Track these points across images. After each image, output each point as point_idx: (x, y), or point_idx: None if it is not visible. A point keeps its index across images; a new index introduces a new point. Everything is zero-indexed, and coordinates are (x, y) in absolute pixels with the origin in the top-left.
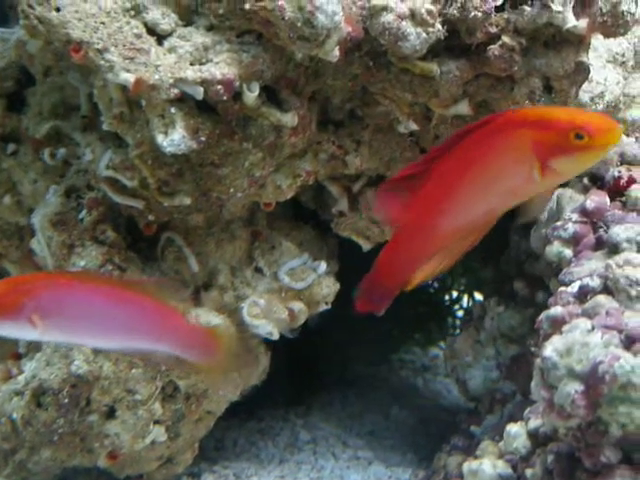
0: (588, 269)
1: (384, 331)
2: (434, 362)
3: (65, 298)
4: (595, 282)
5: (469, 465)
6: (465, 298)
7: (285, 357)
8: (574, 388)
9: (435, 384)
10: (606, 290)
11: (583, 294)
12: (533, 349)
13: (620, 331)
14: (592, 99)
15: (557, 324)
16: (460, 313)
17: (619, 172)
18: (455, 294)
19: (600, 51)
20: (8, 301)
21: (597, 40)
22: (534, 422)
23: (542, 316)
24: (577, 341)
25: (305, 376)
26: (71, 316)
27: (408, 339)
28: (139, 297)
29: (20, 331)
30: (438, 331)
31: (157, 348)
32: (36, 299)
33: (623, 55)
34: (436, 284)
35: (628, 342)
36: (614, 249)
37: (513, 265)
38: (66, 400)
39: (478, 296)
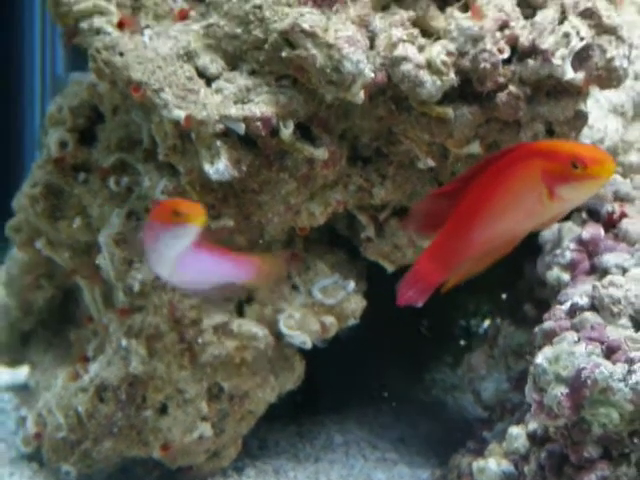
0: (580, 290)
1: (417, 353)
2: (462, 381)
3: None
4: (584, 300)
5: (477, 464)
6: (486, 322)
7: (326, 371)
8: (560, 391)
9: (462, 400)
10: (593, 308)
11: (573, 311)
12: (528, 357)
13: (602, 343)
14: (593, 144)
15: (549, 336)
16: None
17: (612, 207)
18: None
19: (602, 102)
20: None
21: (600, 93)
22: (532, 424)
23: (537, 329)
24: (564, 350)
25: (343, 390)
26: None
27: (439, 360)
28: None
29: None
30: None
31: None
32: None
33: (622, 106)
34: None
35: (608, 352)
36: (604, 274)
37: (525, 291)
38: (124, 396)
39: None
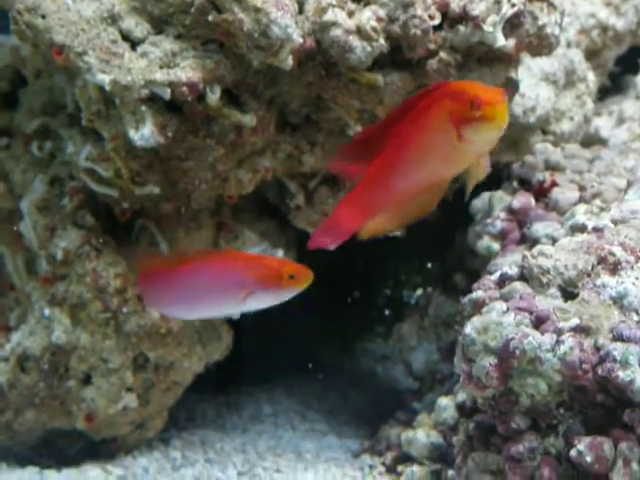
0: (510, 260)
1: (349, 323)
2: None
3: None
4: (513, 270)
5: (406, 434)
6: (418, 292)
7: (254, 339)
8: (489, 362)
9: (393, 371)
10: (522, 277)
11: (502, 281)
12: (457, 328)
13: (531, 312)
14: (524, 112)
15: (477, 306)
16: None
17: (543, 176)
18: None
19: (534, 70)
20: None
21: (531, 61)
22: (461, 395)
23: (466, 299)
24: (493, 320)
25: (272, 358)
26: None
27: (371, 330)
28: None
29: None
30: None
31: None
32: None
33: (555, 75)
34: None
35: (537, 322)
36: (535, 243)
37: (456, 260)
38: (46, 366)
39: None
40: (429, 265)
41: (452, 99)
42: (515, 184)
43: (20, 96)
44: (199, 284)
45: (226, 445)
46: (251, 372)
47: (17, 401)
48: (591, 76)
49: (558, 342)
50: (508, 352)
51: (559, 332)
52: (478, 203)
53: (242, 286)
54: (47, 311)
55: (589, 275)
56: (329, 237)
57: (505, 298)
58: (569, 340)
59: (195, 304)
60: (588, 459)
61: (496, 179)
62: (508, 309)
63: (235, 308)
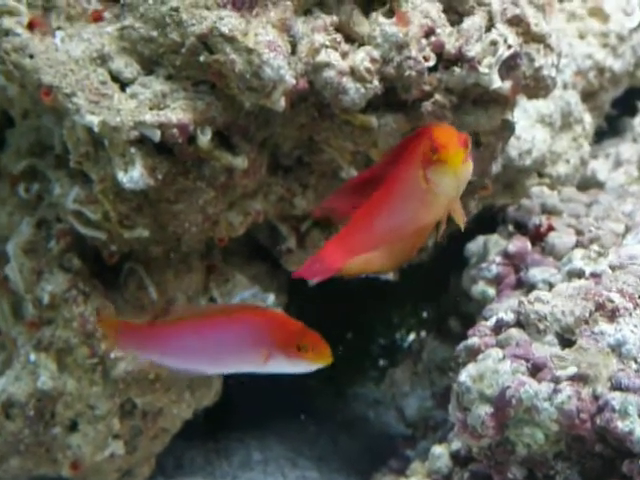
0: (506, 306)
1: (340, 367)
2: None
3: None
4: (509, 316)
5: None
6: (411, 336)
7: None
8: (484, 410)
9: (385, 417)
10: (519, 324)
11: (498, 327)
12: (451, 375)
13: (527, 360)
14: (520, 155)
15: (473, 353)
16: None
17: (540, 220)
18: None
19: (530, 112)
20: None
21: (527, 103)
22: (455, 444)
23: (461, 346)
24: (489, 368)
25: (264, 404)
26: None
27: (363, 374)
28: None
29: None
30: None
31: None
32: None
33: (551, 116)
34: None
35: (534, 370)
36: (531, 289)
37: (450, 305)
38: (32, 413)
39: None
40: (423, 309)
41: (424, 143)
42: (511, 228)
43: (7, 137)
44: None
45: None
46: (241, 418)
47: (1, 448)
48: (588, 118)
49: (555, 391)
50: (504, 401)
51: (556, 380)
52: (473, 247)
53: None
54: (33, 356)
55: (587, 322)
56: (313, 271)
57: (501, 345)
58: (567, 389)
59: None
60: None
61: (491, 222)
62: (504, 356)
63: (255, 369)
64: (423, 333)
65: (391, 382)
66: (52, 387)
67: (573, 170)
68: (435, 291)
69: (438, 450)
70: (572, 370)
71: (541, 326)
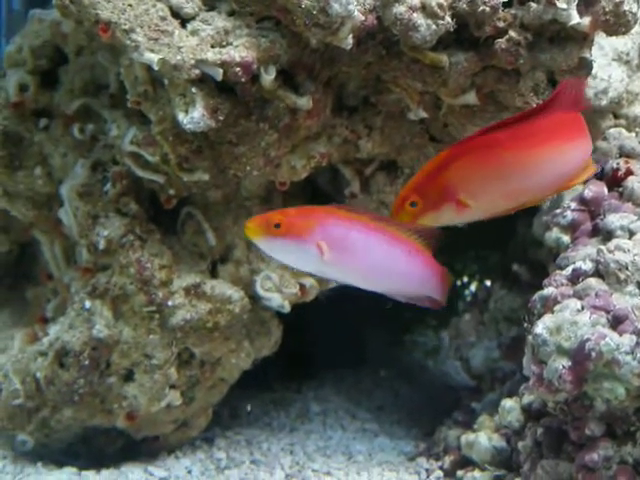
0: (583, 254)
1: (398, 314)
2: (445, 345)
3: (348, 231)
4: (587, 265)
5: (466, 437)
6: (475, 284)
7: (301, 334)
8: (562, 364)
9: (445, 365)
10: (597, 273)
11: (575, 277)
12: (526, 325)
13: (608, 312)
14: (596, 95)
15: (549, 304)
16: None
17: (617, 164)
18: (466, 279)
19: (606, 49)
20: (300, 223)
21: (603, 39)
22: (527, 398)
23: (536, 296)
24: (567, 320)
25: (319, 353)
26: (350, 249)
27: (421, 322)
28: (409, 243)
29: (305, 255)
30: (449, 315)
31: (418, 292)
32: (326, 227)
33: (628, 54)
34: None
35: (615, 322)
36: (608, 236)
37: (519, 251)
38: (87, 362)
39: (488, 282)
40: (487, 255)
41: None
42: None
43: (60, 75)
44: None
45: (273, 445)
46: (298, 368)
47: (55, 398)
48: None
49: (638, 344)
50: (583, 354)
51: (639, 333)
52: None
53: None
54: (88, 303)
55: None
56: None
57: (579, 296)
58: None
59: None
60: None
61: None
62: (583, 307)
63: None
64: (488, 282)
65: (456, 332)
66: (107, 335)
67: None
68: (500, 237)
69: (509, 403)
70: None
71: (622, 276)
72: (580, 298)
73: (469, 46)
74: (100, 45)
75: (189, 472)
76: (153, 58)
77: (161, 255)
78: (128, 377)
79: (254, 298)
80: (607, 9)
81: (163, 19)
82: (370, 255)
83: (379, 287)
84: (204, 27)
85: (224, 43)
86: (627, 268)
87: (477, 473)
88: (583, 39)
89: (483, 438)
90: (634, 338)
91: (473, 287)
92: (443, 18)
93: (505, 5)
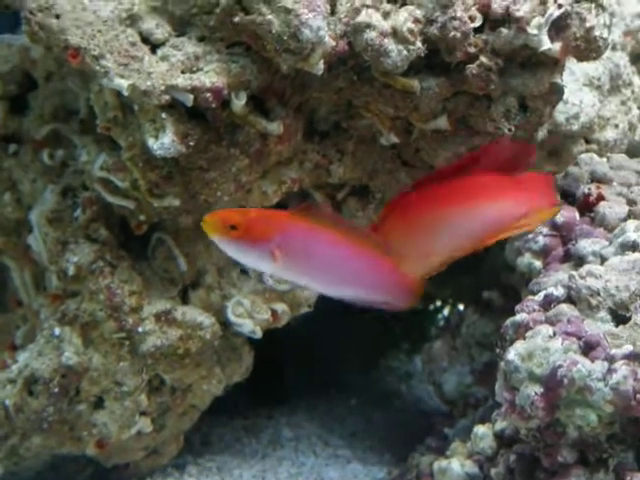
0: (555, 280)
1: (372, 339)
2: (418, 369)
3: (306, 240)
4: (559, 291)
5: (439, 464)
6: (447, 308)
7: (273, 359)
8: (534, 390)
9: (418, 390)
10: (569, 299)
11: (547, 302)
12: (498, 351)
13: (579, 338)
14: (567, 119)
15: (521, 330)
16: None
17: (589, 189)
18: (438, 304)
19: (577, 75)
20: (258, 228)
21: (575, 65)
22: (500, 424)
23: (508, 322)
24: (539, 346)
25: (292, 378)
26: (305, 257)
27: (394, 347)
28: (365, 248)
29: (258, 260)
30: (422, 340)
31: (374, 298)
32: (284, 235)
33: (599, 79)
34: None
35: (586, 348)
36: (580, 262)
37: (492, 276)
38: (56, 389)
39: (461, 306)
40: (460, 280)
41: None
42: (558, 197)
43: (29, 100)
44: None
45: (245, 472)
46: (270, 393)
47: (24, 425)
48: (637, 81)
49: (610, 370)
50: (556, 381)
51: (611, 359)
52: None
53: None
54: (57, 330)
55: None
56: None
57: (551, 322)
58: (622, 368)
59: None
60: None
61: None
62: (555, 334)
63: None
64: (460, 306)
65: (429, 357)
66: (77, 362)
67: (622, 135)
68: (473, 261)
69: (482, 430)
70: (627, 348)
71: (594, 302)
72: (552, 324)
73: (440, 71)
74: (70, 71)
75: None
76: (123, 84)
77: (131, 281)
78: (98, 404)
79: (225, 324)
80: (578, 35)
81: (133, 45)
82: (326, 262)
83: (335, 292)
84: (174, 53)
85: (194, 69)
86: (599, 294)
87: None
88: (554, 64)
89: (456, 464)
90: (606, 365)
91: (446, 311)
92: (414, 43)
93: (476, 31)
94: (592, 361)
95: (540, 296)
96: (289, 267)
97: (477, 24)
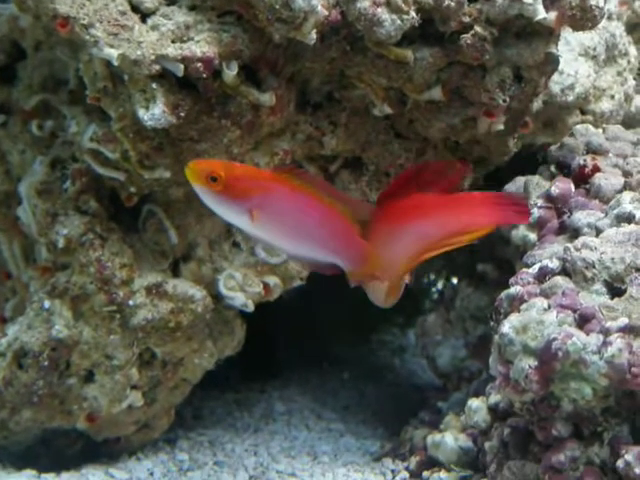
0: (550, 252)
1: (365, 313)
2: (411, 343)
3: (283, 202)
4: (554, 264)
5: (432, 437)
6: (441, 281)
7: (266, 332)
8: (528, 364)
9: (411, 364)
10: (564, 272)
11: (542, 275)
12: (492, 324)
13: (574, 310)
14: (562, 90)
15: (516, 302)
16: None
17: (584, 160)
18: (432, 277)
19: (572, 45)
20: (239, 186)
21: (570, 34)
22: (494, 397)
23: (502, 295)
24: (533, 319)
25: (285, 352)
26: (280, 219)
27: (387, 321)
28: (332, 211)
29: (235, 216)
30: (416, 313)
31: (331, 260)
32: (263, 196)
33: (595, 49)
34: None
35: (581, 321)
36: (575, 234)
37: (486, 249)
38: (46, 363)
39: (455, 279)
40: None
41: None
42: (553, 168)
43: (18, 70)
44: None
45: (237, 446)
46: (262, 367)
47: (14, 399)
48: (633, 51)
49: (605, 343)
50: (550, 354)
51: (606, 332)
52: (512, 188)
53: None
54: (47, 303)
55: (638, 269)
56: None
57: (546, 294)
58: (617, 341)
59: None
60: (637, 470)
61: (531, 162)
62: (549, 306)
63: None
64: (454, 279)
65: (422, 330)
66: (67, 336)
67: (617, 106)
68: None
69: (475, 403)
70: (623, 321)
71: (589, 274)
72: (547, 297)
73: (434, 41)
74: (59, 40)
75: (151, 474)
76: (113, 53)
77: (122, 254)
78: (88, 378)
79: (217, 297)
80: (573, 4)
81: (123, 14)
82: (295, 225)
83: (300, 253)
84: (165, 22)
85: (185, 38)
86: (594, 266)
87: (443, 474)
88: (549, 34)
89: (449, 438)
90: (601, 337)
91: (440, 285)
92: (408, 13)
93: (470, 0)
94: (587, 334)
95: (535, 269)
96: (264, 227)
97: None
